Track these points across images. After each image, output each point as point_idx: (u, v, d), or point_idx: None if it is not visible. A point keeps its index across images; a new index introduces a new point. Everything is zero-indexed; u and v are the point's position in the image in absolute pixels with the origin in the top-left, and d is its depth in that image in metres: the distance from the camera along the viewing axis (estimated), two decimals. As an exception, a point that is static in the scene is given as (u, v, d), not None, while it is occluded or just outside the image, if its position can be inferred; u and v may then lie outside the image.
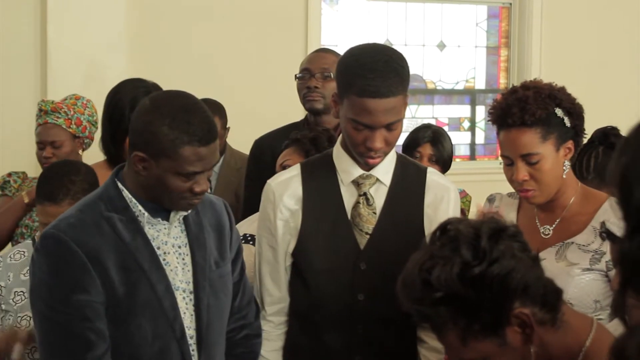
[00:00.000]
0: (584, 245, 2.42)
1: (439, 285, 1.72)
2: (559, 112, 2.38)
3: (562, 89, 2.45)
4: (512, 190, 2.55)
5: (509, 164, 2.43)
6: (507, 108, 2.39)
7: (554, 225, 2.49)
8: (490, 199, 2.72)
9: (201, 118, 2.11)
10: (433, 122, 6.35)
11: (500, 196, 2.70)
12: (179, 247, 2.24)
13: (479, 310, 1.72)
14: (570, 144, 2.43)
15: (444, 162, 3.87)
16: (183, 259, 2.24)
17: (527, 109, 2.35)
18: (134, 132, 2.14)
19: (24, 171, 3.66)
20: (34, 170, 3.70)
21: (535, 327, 1.74)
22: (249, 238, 2.84)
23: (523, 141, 2.37)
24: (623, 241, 1.21)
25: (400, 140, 2.79)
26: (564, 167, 2.43)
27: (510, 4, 6.55)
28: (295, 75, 3.57)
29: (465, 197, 4.03)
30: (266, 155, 3.41)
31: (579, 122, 2.43)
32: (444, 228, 1.81)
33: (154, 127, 2.08)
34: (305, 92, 3.50)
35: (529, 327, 1.74)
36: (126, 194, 2.18)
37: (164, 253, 2.21)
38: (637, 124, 1.23)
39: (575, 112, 2.42)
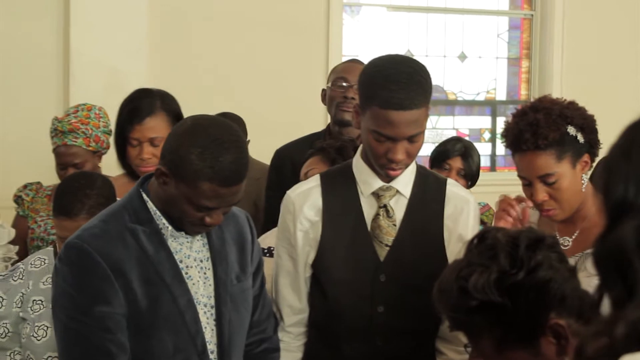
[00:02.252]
0: None
1: (475, 293, 1.72)
2: (571, 130, 2.35)
3: (572, 104, 2.42)
4: None
5: (527, 184, 2.42)
6: (519, 134, 2.36)
7: (573, 237, 2.47)
8: None
9: (233, 158, 2.03)
10: (454, 133, 6.35)
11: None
12: (201, 261, 2.22)
13: (514, 319, 1.71)
14: (586, 157, 2.40)
15: (472, 177, 3.86)
16: (205, 273, 2.22)
17: (539, 134, 2.32)
18: (167, 145, 2.11)
19: (39, 181, 3.63)
20: (55, 178, 3.69)
21: (571, 339, 1.71)
22: (273, 251, 2.79)
23: (539, 163, 2.35)
24: (596, 242, 1.19)
25: (423, 152, 2.77)
26: (583, 181, 2.41)
27: (532, 15, 6.54)
28: (331, 84, 3.47)
29: (488, 211, 4.00)
30: (286, 165, 3.39)
31: (592, 135, 2.40)
32: (482, 236, 1.81)
33: (184, 150, 2.03)
34: (340, 101, 3.41)
35: (564, 339, 1.72)
36: (150, 205, 2.16)
37: (186, 267, 2.19)
38: (625, 127, 1.21)
39: (588, 126, 2.39)
